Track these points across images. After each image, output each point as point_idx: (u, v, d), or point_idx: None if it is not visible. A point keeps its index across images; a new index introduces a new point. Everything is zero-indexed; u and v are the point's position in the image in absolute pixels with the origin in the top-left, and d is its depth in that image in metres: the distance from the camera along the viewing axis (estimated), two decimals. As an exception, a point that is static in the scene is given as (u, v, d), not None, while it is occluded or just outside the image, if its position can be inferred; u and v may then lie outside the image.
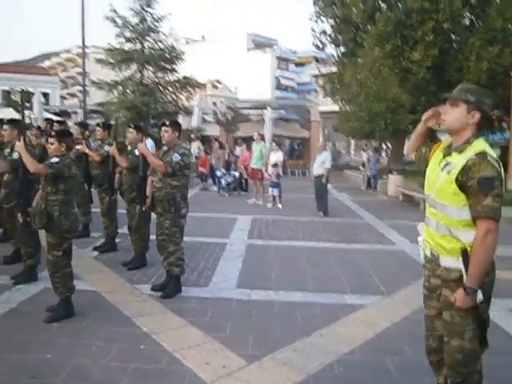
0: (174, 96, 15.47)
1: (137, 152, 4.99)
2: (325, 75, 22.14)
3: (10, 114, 16.55)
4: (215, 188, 13.67)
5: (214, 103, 29.50)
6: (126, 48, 14.83)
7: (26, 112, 18.81)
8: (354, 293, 4.86)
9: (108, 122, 6.99)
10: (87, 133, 7.98)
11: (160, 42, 14.99)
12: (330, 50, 20.62)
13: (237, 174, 13.11)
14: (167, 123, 4.46)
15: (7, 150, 4.83)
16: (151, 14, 14.70)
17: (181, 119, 19.26)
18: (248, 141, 14.38)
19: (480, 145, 2.18)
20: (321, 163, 9.96)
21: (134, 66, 14.89)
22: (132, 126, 5.23)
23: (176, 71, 15.36)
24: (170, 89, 15.29)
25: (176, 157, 4.29)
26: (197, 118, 19.07)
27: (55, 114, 20.05)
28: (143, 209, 4.71)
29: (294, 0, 28.33)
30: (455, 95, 2.26)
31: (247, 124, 23.05)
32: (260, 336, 3.71)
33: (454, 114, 2.25)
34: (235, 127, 20.97)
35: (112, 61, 14.73)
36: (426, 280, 2.43)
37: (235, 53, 47.39)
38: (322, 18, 19.42)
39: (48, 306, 3.88)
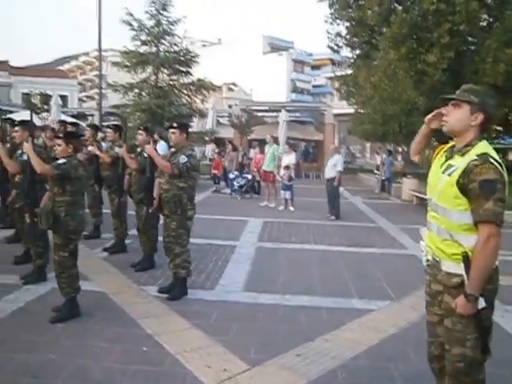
0: (188, 99, 15.55)
1: (146, 154, 5.01)
2: (339, 77, 22.02)
3: (29, 116, 16.87)
4: (228, 190, 13.68)
5: (230, 106, 29.60)
6: (142, 51, 14.97)
7: (44, 114, 19.24)
8: (361, 297, 4.80)
9: (119, 124, 7.05)
10: (101, 135, 8.10)
11: (175, 44, 15.10)
12: (345, 52, 20.53)
13: (249, 177, 13.10)
14: (175, 125, 4.47)
15: (19, 152, 4.91)
16: (167, 18, 14.84)
17: (196, 122, 19.42)
18: (262, 143, 14.36)
19: (482, 147, 2.13)
20: (332, 166, 9.89)
21: (149, 69, 15.03)
22: (141, 127, 5.27)
23: (191, 74, 15.45)
24: (185, 91, 15.37)
25: (183, 158, 4.30)
26: (211, 120, 19.15)
27: (72, 116, 20.40)
28: (150, 210, 4.73)
29: (311, 2, 28.29)
30: (458, 96, 2.21)
31: (262, 126, 23.05)
32: (263, 340, 3.68)
33: (456, 116, 2.19)
34: (249, 130, 20.98)
35: (128, 63, 14.89)
36: (428, 285, 2.38)
37: (251, 56, 47.57)
38: (337, 20, 19.33)
39: (54, 307, 3.91)
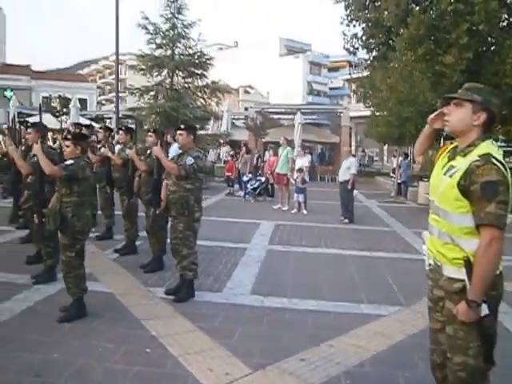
0: (203, 101, 15.63)
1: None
2: (355, 79, 21.84)
3: (48, 119, 17.25)
4: (241, 193, 13.68)
5: (246, 108, 29.66)
6: (157, 54, 15.11)
7: (63, 117, 19.59)
8: (370, 303, 4.72)
9: (131, 127, 7.12)
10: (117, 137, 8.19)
11: (189, 47, 15.20)
12: (362, 54, 20.33)
13: (263, 179, 13.07)
14: (182, 127, 4.48)
15: (31, 153, 4.98)
16: (182, 21, 14.94)
17: (211, 124, 19.50)
18: (277, 146, 14.33)
19: (485, 147, 2.06)
20: (346, 169, 9.79)
21: (164, 72, 15.15)
22: (151, 130, 5.30)
23: (205, 76, 15.53)
24: (199, 94, 15.46)
25: (190, 160, 4.31)
26: (226, 122, 19.21)
27: (91, 119, 20.76)
28: (157, 212, 4.76)
29: (329, 4, 28.20)
30: (460, 95, 2.15)
31: (277, 129, 23.03)
32: (268, 344, 3.65)
33: (458, 115, 2.13)
34: (264, 132, 20.96)
35: (143, 67, 15.06)
36: (430, 291, 2.32)
37: (268, 58, 47.62)
38: (353, 21, 19.16)
39: (62, 306, 3.96)
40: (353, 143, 35.38)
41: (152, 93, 15.15)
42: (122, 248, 6.14)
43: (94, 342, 3.50)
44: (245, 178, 13.35)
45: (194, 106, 15.18)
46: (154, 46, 14.94)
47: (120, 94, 18.65)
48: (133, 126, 9.18)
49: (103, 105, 50.42)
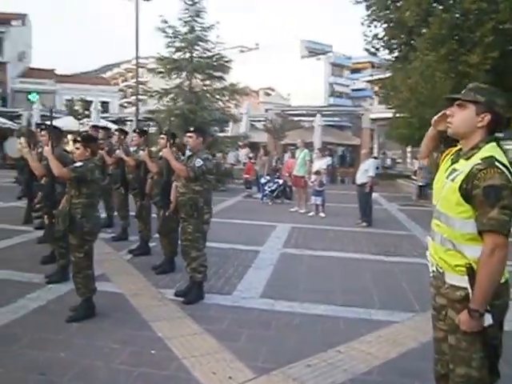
0: (221, 103, 15.69)
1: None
2: (377, 81, 21.57)
3: (70, 121, 17.70)
4: (259, 195, 13.65)
5: (267, 110, 29.64)
6: (176, 57, 15.24)
7: (85, 119, 20.02)
8: (383, 308, 4.61)
9: (144, 129, 7.19)
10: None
11: (207, 50, 15.28)
12: (383, 54, 20.07)
13: (280, 181, 13.01)
14: (191, 129, 4.49)
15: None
16: (200, 24, 15.03)
17: (230, 126, 19.59)
18: (296, 148, 14.24)
19: (489, 150, 1.96)
20: (364, 171, 9.64)
21: (183, 75, 15.27)
22: (163, 132, 5.33)
23: (224, 79, 15.59)
24: (218, 96, 15.52)
25: (198, 162, 4.31)
26: (245, 125, 19.24)
27: (112, 121, 21.15)
28: (166, 213, 4.77)
29: (349, 5, 27.97)
30: (462, 95, 2.06)
31: (297, 131, 22.93)
32: (274, 348, 3.60)
33: (460, 116, 2.05)
34: (283, 134, 20.90)
35: (162, 70, 15.22)
36: (433, 298, 2.23)
37: (289, 60, 47.50)
38: (374, 22, 18.95)
39: (71, 306, 4.01)
40: (375, 145, 34.98)
41: (171, 95, 15.29)
42: (135, 249, 6.20)
43: (100, 342, 3.53)
44: (262, 180, 13.32)
45: (213, 108, 15.25)
46: (173, 50, 15.07)
47: (141, 97, 18.92)
48: (150, 129, 9.34)
49: (125, 107, 51.26)
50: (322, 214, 10.76)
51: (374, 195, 10.29)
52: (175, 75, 15.19)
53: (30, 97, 20.73)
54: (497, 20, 13.44)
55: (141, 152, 5.85)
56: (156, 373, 3.14)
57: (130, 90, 54.68)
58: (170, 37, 14.91)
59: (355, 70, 53.20)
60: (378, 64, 27.02)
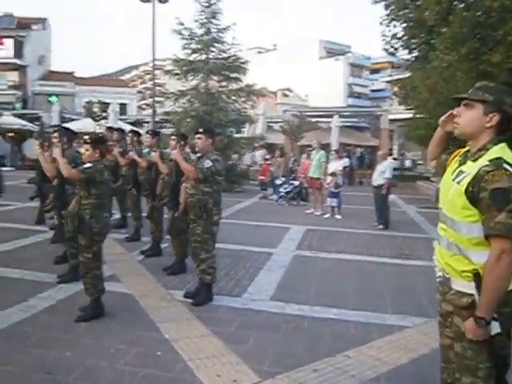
0: (237, 105, 15.70)
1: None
2: (396, 81, 21.27)
3: (88, 123, 18.01)
4: (275, 197, 13.59)
5: (284, 111, 29.58)
6: (191, 58, 15.32)
7: (102, 121, 20.31)
8: (396, 313, 4.50)
9: (157, 130, 7.23)
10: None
11: (223, 51, 15.30)
12: (402, 54, 19.78)
13: (296, 183, 12.92)
14: (200, 130, 4.48)
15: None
16: (216, 25, 15.08)
17: (247, 127, 19.58)
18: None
19: (497, 151, 1.88)
20: (380, 173, 9.49)
21: (199, 76, 15.34)
22: (174, 133, 5.35)
23: (240, 80, 15.60)
24: (234, 97, 15.54)
25: (207, 163, 4.30)
26: (261, 126, 19.20)
27: (130, 123, 21.42)
28: (175, 214, 4.78)
29: (367, 4, 27.68)
30: (469, 95, 1.98)
31: (314, 132, 22.78)
32: (281, 352, 3.55)
33: (467, 117, 1.97)
34: (299, 135, 20.78)
35: (178, 71, 15.31)
36: (439, 305, 2.15)
37: (307, 61, 47.28)
38: (393, 21, 18.69)
39: (81, 306, 4.03)
40: (394, 146, 34.49)
41: (187, 97, 15.37)
42: (147, 250, 6.22)
43: (107, 343, 3.54)
44: (278, 182, 13.26)
45: (229, 109, 15.26)
46: (189, 51, 15.16)
47: (158, 99, 19.09)
48: (166, 130, 9.39)
49: (143, 109, 51.79)
50: (338, 216, 10.64)
51: (392, 197, 10.10)
52: (191, 77, 15.27)
53: (50, 99, 21.22)
54: (520, 17, 13.06)
55: (152, 153, 5.88)
56: (161, 374, 3.13)
57: (148, 91, 55.36)
58: (186, 39, 15.00)
59: (375, 71, 52.59)
60: (397, 64, 26.65)
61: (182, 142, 5.37)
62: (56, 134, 4.96)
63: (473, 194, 1.84)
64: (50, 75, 37.69)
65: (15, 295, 4.39)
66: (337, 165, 11.12)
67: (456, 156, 2.15)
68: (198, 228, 4.45)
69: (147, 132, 6.48)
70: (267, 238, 7.98)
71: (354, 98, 49.33)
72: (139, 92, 49.19)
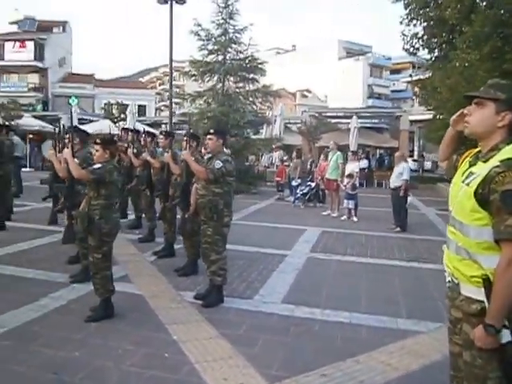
0: (254, 106, 15.66)
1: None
2: (417, 81, 20.91)
3: (106, 124, 18.27)
4: (291, 198, 13.50)
5: (303, 112, 29.43)
6: (208, 59, 15.34)
7: (120, 123, 20.57)
8: (409, 317, 4.39)
9: (171, 131, 7.25)
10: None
11: (240, 52, 15.28)
12: (423, 54, 19.45)
13: (313, 185, 12.80)
14: (211, 131, 4.46)
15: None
16: (233, 26, 15.07)
17: (264, 128, 19.53)
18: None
19: (510, 151, 1.79)
20: (398, 174, 9.32)
21: (215, 77, 15.36)
22: (187, 134, 5.33)
23: (257, 81, 15.55)
24: (250, 98, 15.50)
25: (218, 163, 4.27)
26: (278, 127, 19.12)
27: (148, 124, 21.67)
28: (186, 215, 4.76)
29: (387, 3, 27.31)
30: (481, 93, 1.89)
31: (333, 133, 22.57)
32: (290, 356, 3.50)
33: (478, 116, 1.88)
34: (317, 136, 20.61)
35: (195, 72, 15.36)
36: (448, 311, 2.06)
37: (326, 61, 46.99)
38: (413, 20, 18.40)
39: (91, 307, 4.05)
40: (415, 148, 33.91)
41: (204, 98, 15.41)
42: (160, 250, 6.24)
43: (115, 343, 3.54)
44: (294, 183, 13.16)
45: (246, 110, 15.23)
46: (205, 52, 15.19)
47: (177, 100, 19.21)
48: (184, 131, 9.41)
49: (162, 111, 52.28)
50: (355, 219, 10.50)
51: (410, 199, 9.91)
52: (208, 78, 15.30)
53: (70, 101, 21.68)
54: (545, 15, 12.69)
55: (165, 154, 5.89)
56: (167, 376, 3.11)
57: (167, 93, 55.94)
58: (203, 40, 15.04)
59: (395, 71, 51.90)
60: (418, 64, 26.22)
61: (195, 143, 5.36)
62: (68, 135, 5.01)
63: (482, 196, 1.76)
64: (71, 77, 38.51)
65: (27, 295, 4.44)
66: (354, 166, 10.96)
67: (467, 157, 2.07)
68: (209, 229, 4.42)
69: (160, 133, 6.50)
70: (282, 239, 7.91)
71: (374, 99, 48.79)
72: (158, 94, 49.71)
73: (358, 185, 11.25)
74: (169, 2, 16.23)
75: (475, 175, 1.83)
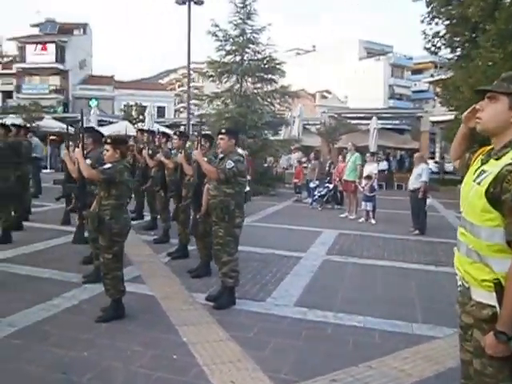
0: (272, 107, 15.59)
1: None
2: (438, 81, 20.52)
3: (124, 126, 18.48)
4: (309, 200, 13.38)
5: (322, 113, 29.21)
6: (226, 60, 15.34)
7: (139, 124, 20.77)
8: (425, 322, 4.27)
9: (184, 132, 7.26)
10: (189, 143, 8.44)
11: (258, 52, 15.22)
12: (445, 53, 19.07)
13: (331, 186, 12.66)
14: (223, 131, 4.43)
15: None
16: (251, 26, 15.01)
17: (283, 129, 19.42)
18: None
19: None
20: (417, 176, 9.11)
21: (233, 78, 15.36)
22: (200, 135, 5.32)
23: (275, 81, 15.47)
24: (268, 99, 15.43)
25: (229, 163, 4.24)
26: (296, 128, 18.99)
27: (167, 126, 21.86)
28: (197, 216, 4.74)
29: (408, 2, 26.92)
30: (494, 87, 1.80)
31: (352, 134, 22.29)
32: (300, 360, 3.43)
33: (491, 111, 1.79)
34: (336, 137, 20.39)
35: (212, 73, 15.38)
36: (459, 317, 1.97)
37: (346, 62, 46.56)
38: (435, 19, 18.07)
39: (102, 307, 4.06)
40: (437, 149, 33.27)
41: (222, 99, 15.42)
42: (174, 252, 6.24)
43: (124, 344, 3.53)
44: (312, 185, 13.05)
45: (264, 111, 15.16)
46: (223, 53, 15.19)
47: (196, 102, 19.32)
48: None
49: (181, 112, 52.64)
50: (373, 221, 10.33)
51: (430, 201, 9.69)
52: (226, 78, 15.30)
53: (90, 103, 22.06)
54: None
55: (179, 154, 5.89)
56: (174, 378, 3.08)
57: (186, 94, 56.36)
58: (221, 40, 15.05)
59: (417, 71, 51.04)
60: (440, 64, 25.72)
61: (208, 144, 5.34)
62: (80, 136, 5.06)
63: (494, 196, 1.67)
64: (91, 79, 39.20)
65: (41, 294, 4.48)
66: (372, 167, 10.78)
67: (479, 154, 1.97)
68: (220, 230, 4.39)
69: (174, 133, 6.51)
70: (298, 241, 7.83)
71: (395, 100, 48.09)
72: (177, 95, 50.11)
73: (376, 186, 11.06)
74: (187, 3, 16.33)
75: (487, 173, 1.74)
